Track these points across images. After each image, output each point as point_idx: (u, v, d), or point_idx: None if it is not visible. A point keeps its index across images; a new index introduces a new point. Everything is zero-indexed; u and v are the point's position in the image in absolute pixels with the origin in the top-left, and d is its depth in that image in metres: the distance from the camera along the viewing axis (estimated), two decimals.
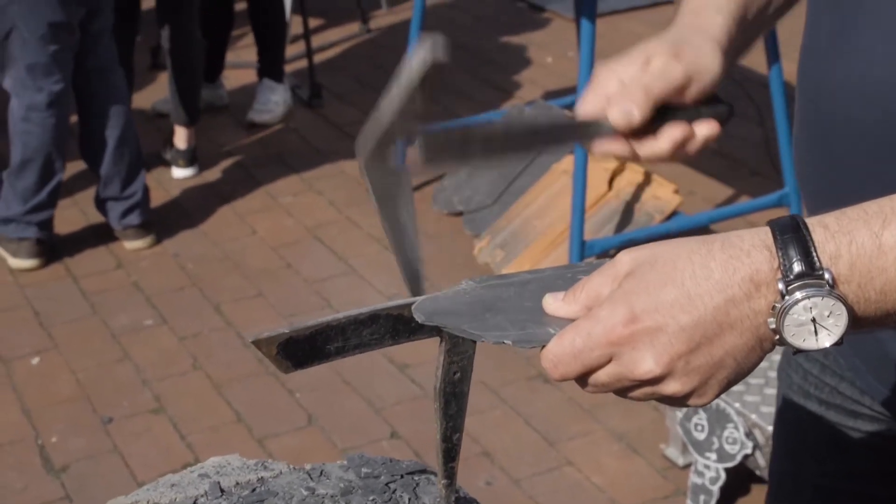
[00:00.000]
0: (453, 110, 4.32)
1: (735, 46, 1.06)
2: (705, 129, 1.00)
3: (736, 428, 2.28)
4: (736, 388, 2.25)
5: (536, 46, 5.07)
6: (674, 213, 3.14)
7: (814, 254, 0.77)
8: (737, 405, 2.28)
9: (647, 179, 3.19)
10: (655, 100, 0.97)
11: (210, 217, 3.75)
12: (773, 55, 3.10)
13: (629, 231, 3.11)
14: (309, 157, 4.13)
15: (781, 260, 0.77)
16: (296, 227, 3.68)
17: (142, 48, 4.68)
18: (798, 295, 0.77)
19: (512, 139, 0.94)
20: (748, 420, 2.27)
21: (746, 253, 0.79)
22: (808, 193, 1.12)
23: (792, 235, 0.78)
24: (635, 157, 1.00)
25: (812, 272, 0.77)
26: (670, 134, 0.98)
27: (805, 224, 0.79)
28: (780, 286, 0.77)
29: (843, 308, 0.77)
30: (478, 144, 0.92)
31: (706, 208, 3.45)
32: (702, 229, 3.14)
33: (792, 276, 0.77)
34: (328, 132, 4.33)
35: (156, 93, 4.48)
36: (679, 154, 1.00)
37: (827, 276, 0.77)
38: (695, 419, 2.36)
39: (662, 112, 0.98)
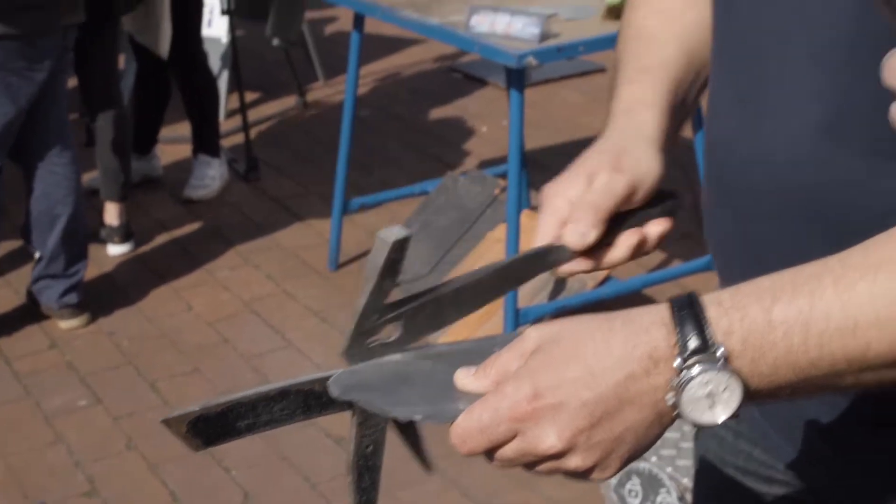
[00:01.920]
0: (390, 181, 4.35)
1: (670, 134, 1.10)
2: (658, 227, 1.04)
3: (668, 492, 2.30)
4: (667, 452, 2.27)
5: (472, 116, 5.14)
6: (606, 279, 3.18)
7: (708, 330, 0.79)
8: (669, 470, 2.29)
9: None
10: (605, 215, 1.00)
11: (146, 293, 3.72)
12: (698, 119, 3.17)
13: (563, 297, 3.14)
14: (246, 230, 4.13)
15: (678, 337, 0.80)
16: (232, 301, 3.67)
17: (77, 125, 4.67)
18: (694, 371, 0.79)
19: (482, 290, 0.97)
20: (680, 484, 2.29)
21: (646, 330, 0.81)
22: (718, 261, 1.15)
23: (688, 312, 0.80)
24: (598, 269, 1.04)
25: (706, 348, 0.79)
26: (626, 242, 1.03)
27: (700, 301, 0.81)
28: (677, 362, 0.79)
29: (737, 383, 0.79)
30: (452, 306, 0.94)
31: (639, 273, 3.49)
32: (634, 294, 3.18)
33: (688, 353, 0.79)
34: (265, 205, 4.34)
35: (91, 170, 4.46)
36: (638, 255, 1.05)
37: (720, 351, 0.79)
38: (628, 485, 2.38)
39: (615, 220, 1.02)
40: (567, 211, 1.01)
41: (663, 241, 1.07)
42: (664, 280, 3.31)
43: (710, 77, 1.12)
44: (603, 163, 1.03)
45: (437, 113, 5.23)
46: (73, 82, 4.18)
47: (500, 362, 0.85)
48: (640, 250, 1.04)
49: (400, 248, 0.87)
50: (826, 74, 0.96)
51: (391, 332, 0.91)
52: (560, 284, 3.17)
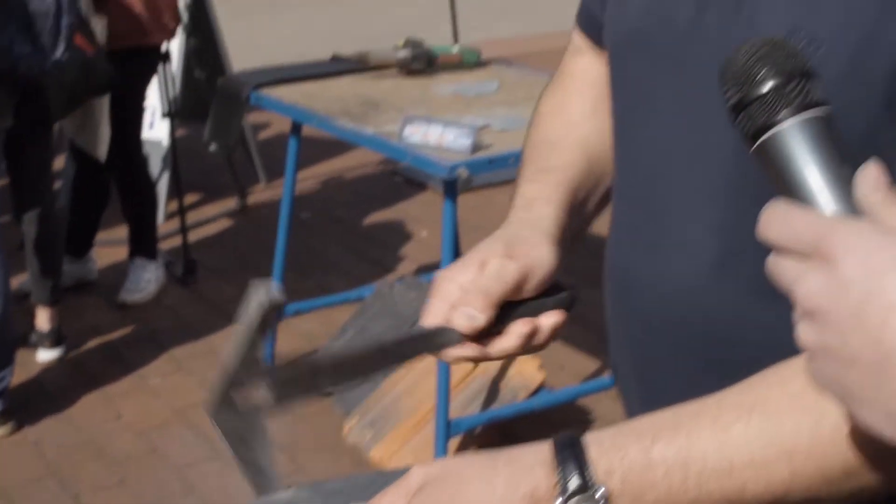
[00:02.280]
0: (327, 286, 4.34)
1: (568, 233, 1.10)
2: (550, 319, 1.03)
3: None
4: None
5: (412, 220, 5.17)
6: (539, 389, 3.16)
7: (588, 470, 0.80)
8: None
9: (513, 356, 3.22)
10: (495, 300, 1.00)
11: (75, 400, 3.64)
12: None
13: (495, 408, 3.12)
14: (181, 335, 4.08)
15: (559, 477, 0.80)
16: (163, 409, 3.60)
17: (9, 227, 4.62)
18: None
19: (361, 362, 0.97)
20: None
21: (529, 469, 0.82)
22: (617, 382, 1.15)
23: (569, 452, 0.81)
24: (487, 357, 1.03)
25: (587, 489, 0.79)
26: (517, 330, 1.01)
27: (582, 441, 0.81)
28: (558, 502, 0.80)
29: None
30: (327, 374, 0.94)
31: (574, 382, 3.48)
32: (566, 404, 3.17)
33: (568, 493, 0.80)
34: (201, 309, 4.30)
35: (24, 273, 4.40)
36: (529, 347, 1.03)
37: (601, 492, 0.79)
38: None
39: (507, 309, 1.01)
40: (458, 295, 1.00)
41: (556, 335, 1.05)
42: (597, 390, 3.30)
43: (612, 202, 1.13)
44: (495, 250, 1.03)
45: (377, 216, 5.25)
46: (5, 183, 4.16)
47: (385, 501, 0.85)
48: (531, 341, 1.02)
49: (273, 306, 0.87)
50: (718, 211, 0.98)
51: (263, 395, 0.89)
52: (492, 395, 3.16)
